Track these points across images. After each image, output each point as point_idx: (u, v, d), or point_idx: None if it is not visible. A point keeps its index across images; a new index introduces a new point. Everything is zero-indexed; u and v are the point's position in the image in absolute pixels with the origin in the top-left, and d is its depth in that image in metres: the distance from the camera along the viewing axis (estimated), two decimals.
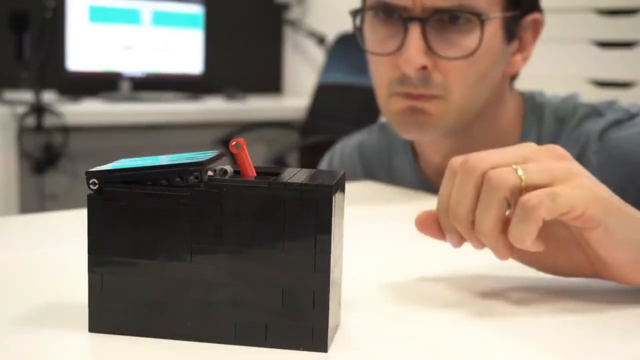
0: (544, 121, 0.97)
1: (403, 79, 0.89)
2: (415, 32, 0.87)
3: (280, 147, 2.95)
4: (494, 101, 0.95)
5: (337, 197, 0.46)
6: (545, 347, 0.49)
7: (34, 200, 2.71)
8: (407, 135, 0.96)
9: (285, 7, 3.61)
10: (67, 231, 0.78)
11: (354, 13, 0.95)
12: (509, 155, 0.55)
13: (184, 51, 3.16)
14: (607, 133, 0.91)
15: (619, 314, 0.56)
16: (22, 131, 2.56)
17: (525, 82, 1.04)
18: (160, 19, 3.10)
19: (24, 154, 2.63)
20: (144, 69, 3.07)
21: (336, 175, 0.47)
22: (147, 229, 0.47)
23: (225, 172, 0.47)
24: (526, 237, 0.52)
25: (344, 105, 2.95)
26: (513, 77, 0.98)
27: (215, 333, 0.47)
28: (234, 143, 0.46)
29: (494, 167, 0.54)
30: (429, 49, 0.87)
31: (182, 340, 0.47)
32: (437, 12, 0.87)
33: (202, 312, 0.47)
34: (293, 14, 3.60)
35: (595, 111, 0.94)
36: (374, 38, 0.93)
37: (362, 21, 0.95)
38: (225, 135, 2.85)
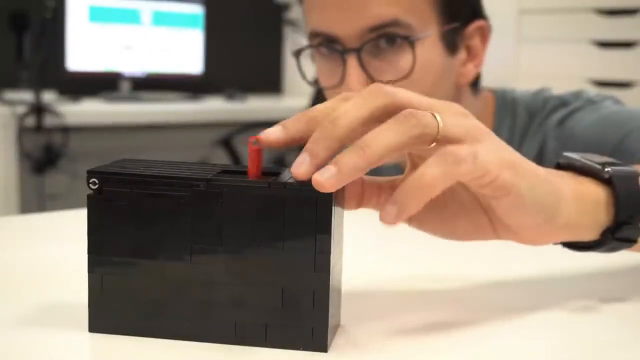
0: (517, 117, 0.99)
1: None
2: (352, 63, 0.87)
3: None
4: None
5: (337, 197, 0.46)
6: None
7: (34, 200, 2.71)
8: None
9: (285, 7, 3.61)
10: (67, 231, 0.78)
11: (297, 53, 0.96)
12: (423, 100, 0.49)
13: (184, 51, 3.15)
14: (566, 120, 0.94)
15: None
16: (22, 131, 2.56)
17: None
18: (160, 19, 3.10)
19: (24, 154, 2.63)
20: (144, 69, 3.07)
21: None
22: (147, 229, 0.47)
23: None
24: (434, 189, 0.46)
25: None
26: (474, 83, 0.98)
27: (215, 333, 0.47)
28: (252, 140, 0.46)
29: (413, 105, 0.48)
30: (369, 77, 0.88)
31: (182, 340, 0.47)
32: (372, 30, 0.86)
33: (202, 312, 0.47)
34: (293, 14, 3.60)
35: (562, 102, 0.98)
36: (320, 72, 0.94)
37: (312, 57, 0.96)
38: (225, 135, 2.85)
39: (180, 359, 0.45)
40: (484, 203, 0.53)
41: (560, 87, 1.04)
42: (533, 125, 0.97)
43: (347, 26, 0.87)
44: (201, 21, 3.18)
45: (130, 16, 3.03)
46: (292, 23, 3.58)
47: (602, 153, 0.81)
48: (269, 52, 3.64)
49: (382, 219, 0.46)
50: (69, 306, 0.53)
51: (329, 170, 0.44)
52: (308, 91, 3.21)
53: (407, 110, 0.46)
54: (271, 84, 3.68)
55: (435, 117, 0.47)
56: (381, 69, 0.88)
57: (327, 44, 0.90)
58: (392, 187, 0.52)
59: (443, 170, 0.46)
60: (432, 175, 0.45)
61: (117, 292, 0.47)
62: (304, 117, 0.48)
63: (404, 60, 0.87)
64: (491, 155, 0.48)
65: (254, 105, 3.20)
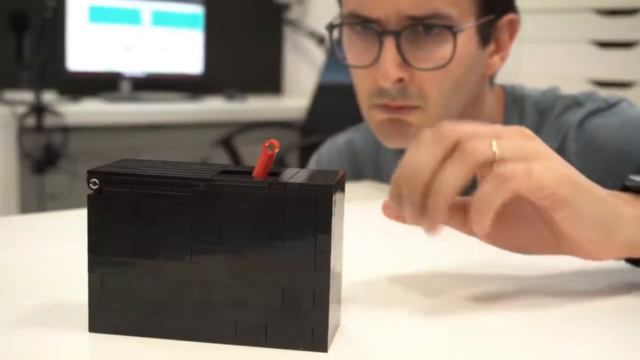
0: (526, 113, 0.98)
1: (381, 91, 0.90)
2: (389, 45, 0.87)
3: (280, 147, 2.94)
4: (472, 102, 0.96)
5: (337, 197, 0.46)
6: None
7: (34, 200, 2.71)
8: (391, 144, 0.97)
9: (285, 7, 3.61)
10: (67, 231, 0.78)
11: (330, 27, 0.95)
12: (482, 129, 0.55)
13: (184, 51, 3.15)
14: (586, 122, 0.94)
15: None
16: (22, 131, 2.56)
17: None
18: (160, 19, 3.10)
19: (24, 154, 2.63)
20: (144, 69, 3.07)
21: (336, 175, 0.47)
22: (147, 229, 0.47)
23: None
24: (492, 206, 0.52)
25: (344, 105, 2.94)
26: (492, 76, 0.99)
27: (215, 333, 0.47)
28: (267, 144, 0.47)
29: (468, 137, 0.54)
30: (404, 61, 0.88)
31: (182, 340, 0.47)
32: (411, 19, 0.87)
33: (202, 312, 0.47)
34: (293, 14, 3.60)
35: (575, 102, 0.97)
36: (352, 51, 0.94)
37: (339, 34, 0.96)
38: (225, 135, 2.85)
39: (180, 359, 0.45)
40: (546, 217, 0.57)
41: (560, 87, 1.04)
42: (545, 122, 0.96)
43: (387, 9, 0.87)
44: (201, 21, 3.18)
45: (130, 16, 3.03)
46: (292, 23, 3.58)
47: (628, 159, 0.83)
48: (269, 52, 3.64)
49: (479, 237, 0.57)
50: (69, 306, 0.53)
51: (429, 228, 0.54)
52: (308, 91, 3.21)
53: (460, 145, 0.53)
54: (271, 84, 3.68)
55: (491, 144, 0.53)
56: (418, 57, 0.88)
57: (364, 24, 0.90)
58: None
59: (495, 187, 0.52)
60: (486, 192, 0.52)
61: (117, 292, 0.47)
62: (414, 190, 0.54)
63: (442, 50, 0.88)
64: (548, 171, 0.53)
65: (254, 105, 3.20)
